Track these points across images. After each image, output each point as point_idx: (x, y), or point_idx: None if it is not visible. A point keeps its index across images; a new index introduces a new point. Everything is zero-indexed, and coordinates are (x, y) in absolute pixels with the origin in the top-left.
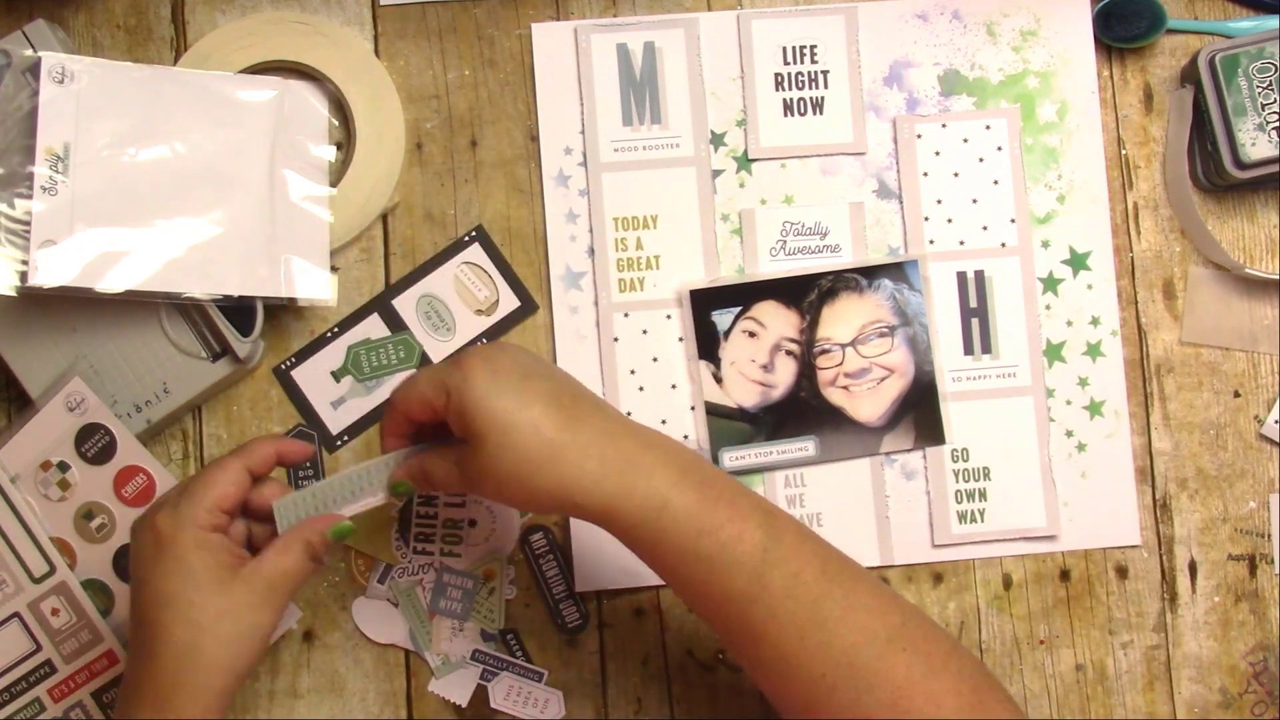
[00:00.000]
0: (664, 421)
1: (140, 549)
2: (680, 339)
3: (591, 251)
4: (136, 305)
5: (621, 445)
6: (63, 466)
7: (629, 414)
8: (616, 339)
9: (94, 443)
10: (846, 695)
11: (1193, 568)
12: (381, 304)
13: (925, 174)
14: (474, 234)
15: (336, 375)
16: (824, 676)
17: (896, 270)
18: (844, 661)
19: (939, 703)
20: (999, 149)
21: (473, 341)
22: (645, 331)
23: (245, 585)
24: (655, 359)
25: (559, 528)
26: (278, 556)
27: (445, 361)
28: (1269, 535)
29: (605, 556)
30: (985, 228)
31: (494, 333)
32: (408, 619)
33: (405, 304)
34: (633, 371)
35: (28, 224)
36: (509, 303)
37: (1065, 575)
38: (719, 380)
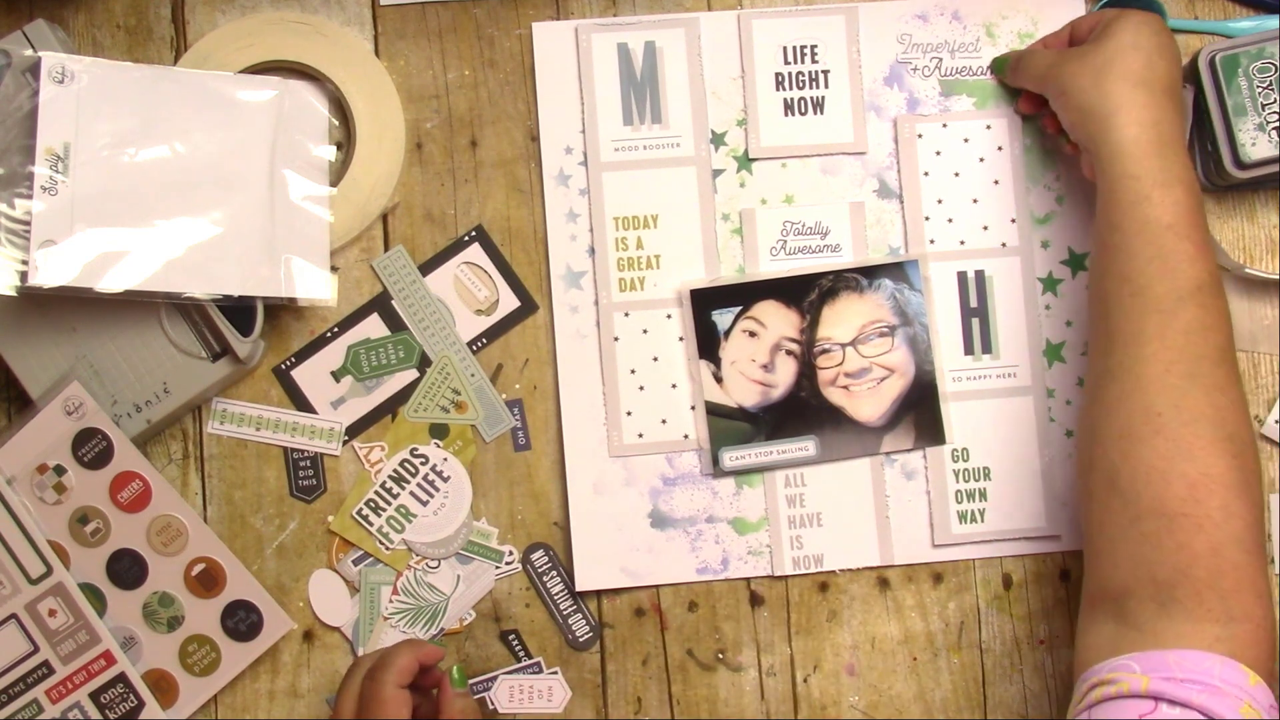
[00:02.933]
0: (664, 421)
1: (349, 707)
2: (680, 338)
3: (592, 251)
4: (136, 305)
5: (1171, 140)
6: (59, 470)
7: (628, 414)
8: (617, 338)
9: (91, 447)
10: (1161, 445)
11: None
12: (381, 304)
13: (926, 174)
14: (474, 234)
15: (336, 375)
16: (1160, 413)
17: (897, 270)
18: (1189, 429)
19: (1232, 515)
20: (999, 149)
21: (473, 340)
22: (645, 331)
23: None
24: (655, 358)
25: (559, 545)
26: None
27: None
28: (1269, 535)
29: (605, 557)
30: (985, 228)
31: (494, 332)
32: (360, 610)
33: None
34: (633, 371)
35: (28, 224)
36: (509, 303)
37: (1065, 575)
38: (719, 380)
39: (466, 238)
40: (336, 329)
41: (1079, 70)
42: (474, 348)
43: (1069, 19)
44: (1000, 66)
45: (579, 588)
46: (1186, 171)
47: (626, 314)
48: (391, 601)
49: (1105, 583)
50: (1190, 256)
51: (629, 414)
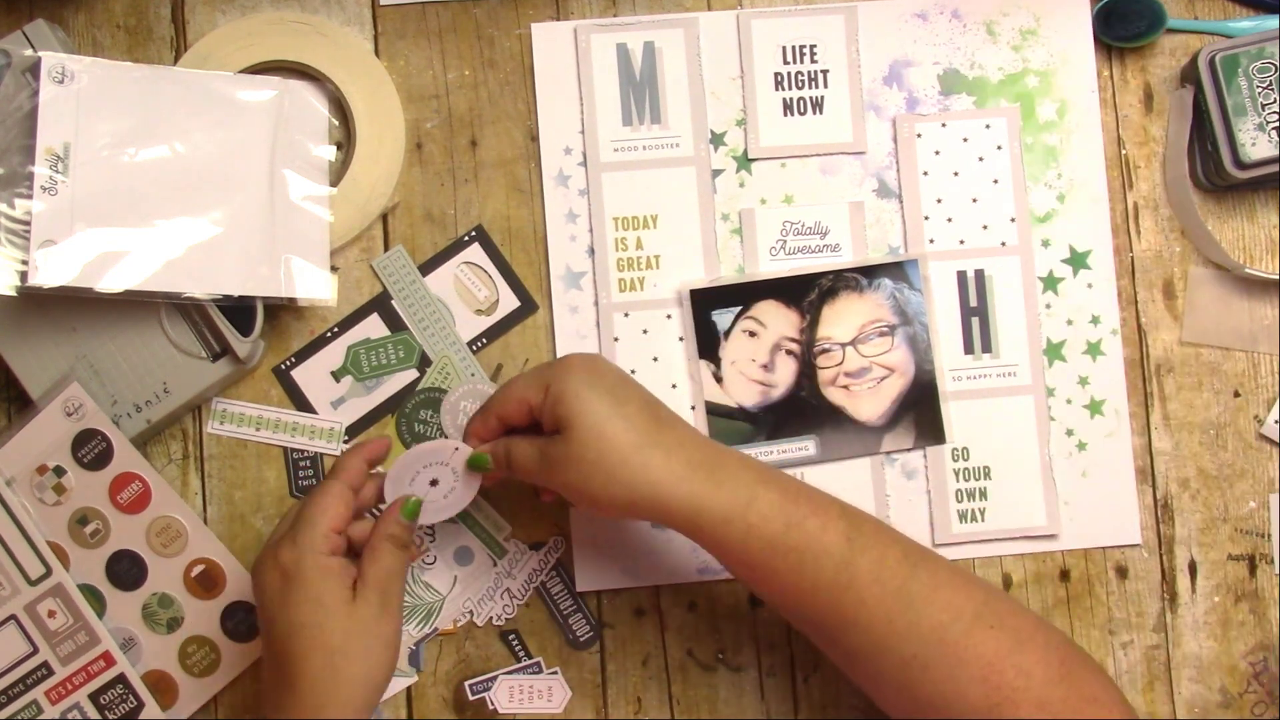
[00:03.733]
0: None
1: (267, 585)
2: (680, 339)
3: (591, 251)
4: (136, 305)
5: (705, 449)
6: (59, 471)
7: None
8: (617, 339)
9: (91, 448)
10: (939, 672)
11: (1193, 568)
12: (381, 304)
13: (925, 173)
14: (474, 234)
15: (336, 375)
16: (915, 657)
17: (896, 269)
18: (933, 640)
19: (1029, 674)
20: (999, 148)
21: (473, 340)
22: (645, 331)
23: (362, 599)
24: (655, 359)
25: (559, 545)
26: (372, 563)
27: (543, 364)
28: (1269, 535)
29: (606, 558)
30: (985, 227)
31: (494, 332)
32: None
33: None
34: (633, 371)
35: (28, 224)
36: (509, 302)
37: (1065, 575)
38: (719, 380)
39: (466, 238)
40: (336, 329)
41: (583, 477)
42: (474, 347)
43: (1071, 16)
44: (480, 462)
45: (580, 588)
46: (745, 475)
47: (626, 314)
48: None
49: None
50: (820, 530)
51: None
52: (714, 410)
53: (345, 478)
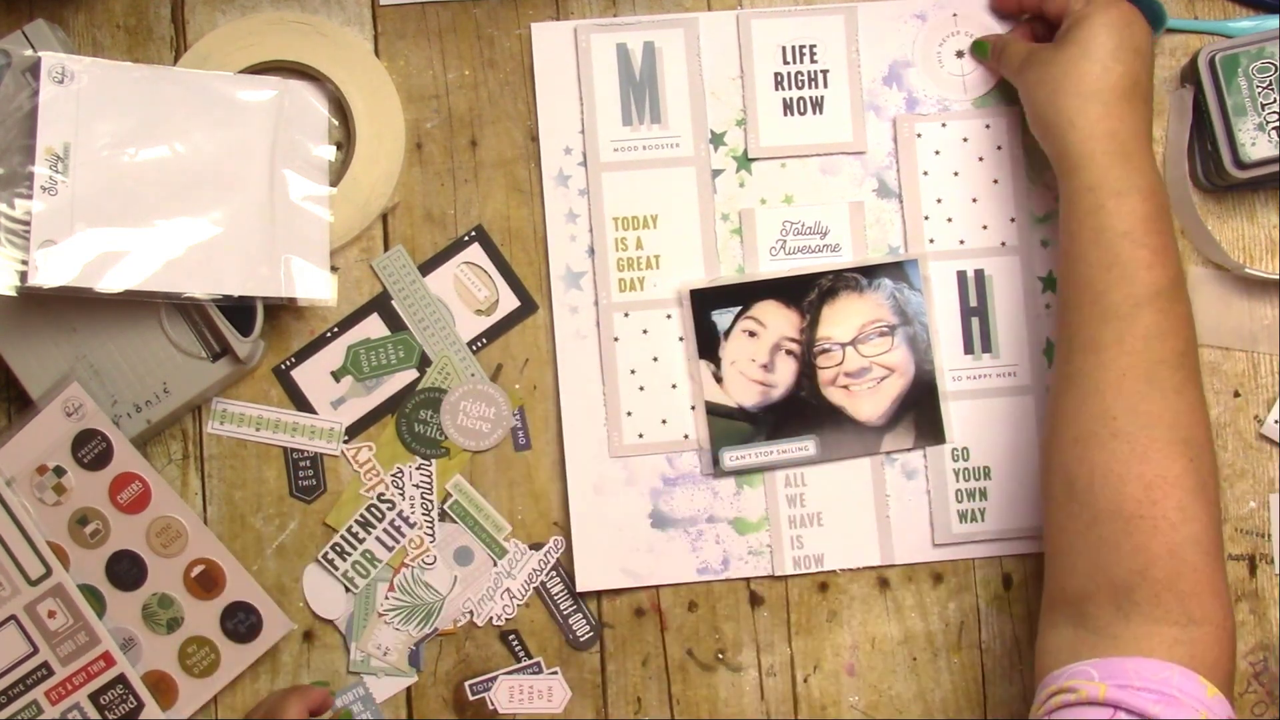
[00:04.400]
0: (664, 421)
1: None
2: (680, 338)
3: (591, 251)
4: (136, 305)
5: (1129, 148)
6: (59, 471)
7: (629, 414)
8: (617, 338)
9: (91, 448)
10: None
11: None
12: (381, 304)
13: (925, 173)
14: (474, 234)
15: (336, 375)
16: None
17: (896, 269)
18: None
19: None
20: (999, 148)
21: (473, 340)
22: (645, 331)
23: None
24: (655, 358)
25: (560, 545)
26: None
27: None
28: (1269, 535)
29: (606, 558)
30: (985, 227)
31: (494, 332)
32: (355, 606)
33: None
34: (633, 371)
35: (28, 224)
36: (509, 303)
37: None
38: (719, 380)
39: (466, 238)
40: (336, 329)
41: (1038, 81)
42: (474, 347)
43: None
44: (980, 49)
45: (580, 588)
46: (1145, 178)
47: (626, 314)
48: (387, 598)
49: (1064, 586)
50: (1147, 263)
51: (629, 414)
52: (714, 410)
53: (302, 695)
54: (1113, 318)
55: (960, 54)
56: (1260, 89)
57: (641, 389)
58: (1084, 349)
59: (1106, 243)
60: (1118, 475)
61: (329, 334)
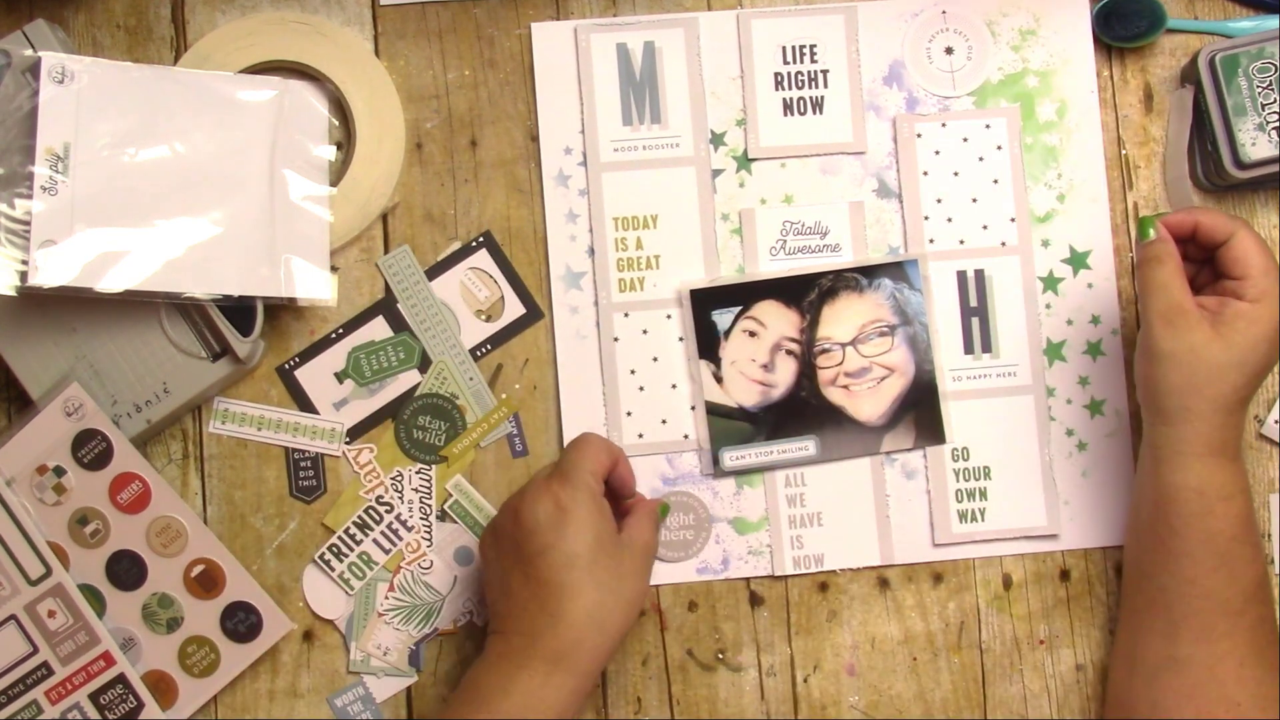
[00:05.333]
0: (664, 421)
1: (541, 517)
2: (680, 339)
3: (591, 251)
4: (136, 305)
5: (1234, 450)
6: (59, 471)
7: (628, 414)
8: (617, 339)
9: (90, 448)
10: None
11: None
12: (386, 307)
13: (925, 173)
14: (481, 239)
15: (339, 377)
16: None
17: (896, 269)
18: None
19: None
20: (999, 148)
21: (477, 346)
22: (645, 331)
23: (630, 553)
24: (655, 359)
25: None
26: (644, 531)
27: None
28: (1269, 535)
29: None
30: (985, 227)
31: (498, 339)
32: (355, 606)
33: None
34: (633, 371)
35: (28, 224)
36: (514, 310)
37: (1065, 575)
38: (719, 380)
39: (474, 243)
40: (341, 330)
41: (1173, 353)
42: (477, 355)
43: (1071, 16)
44: (1144, 229)
45: None
46: (1243, 477)
47: (626, 314)
48: (387, 598)
49: None
50: (1251, 559)
51: (629, 414)
52: (714, 410)
53: (603, 440)
54: (1226, 613)
55: (950, 50)
56: (1260, 89)
57: (641, 389)
58: (1194, 638)
59: (1217, 547)
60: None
61: (334, 335)
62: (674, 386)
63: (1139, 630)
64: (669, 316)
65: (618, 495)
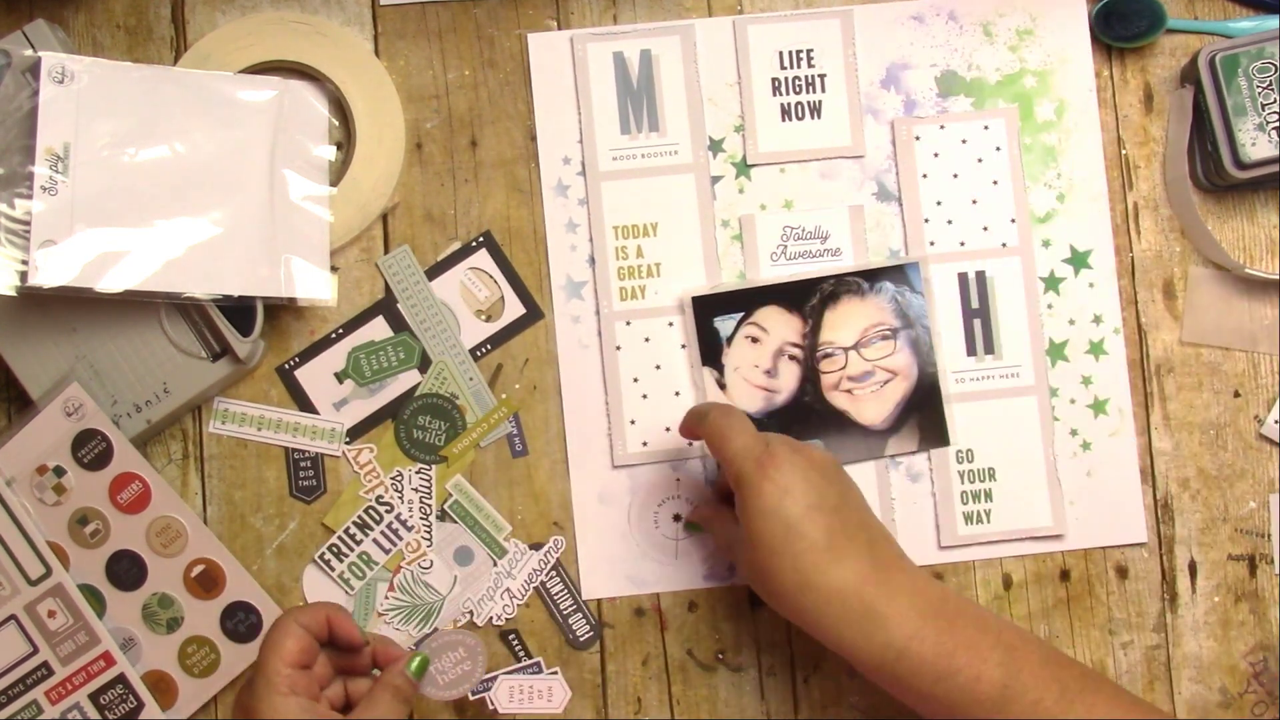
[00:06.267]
0: (668, 429)
1: None
2: (683, 346)
3: (592, 260)
4: (136, 305)
5: (865, 594)
6: (59, 471)
7: (632, 423)
8: (619, 347)
9: (90, 448)
10: None
11: (1193, 568)
12: (386, 307)
13: (924, 176)
14: (481, 239)
15: (339, 377)
16: None
17: (897, 273)
18: None
19: None
20: (998, 149)
21: (477, 347)
22: (647, 339)
23: None
24: (658, 366)
25: (559, 545)
26: (368, 710)
27: (758, 443)
28: (1269, 535)
29: (611, 566)
30: (985, 228)
31: (498, 339)
32: (355, 606)
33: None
34: (636, 379)
35: (28, 224)
36: (514, 310)
37: (1065, 575)
38: (723, 386)
39: (474, 243)
40: (341, 330)
41: (767, 576)
42: (477, 355)
43: (1068, 15)
44: (694, 528)
45: (585, 596)
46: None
47: (628, 323)
48: (387, 598)
49: None
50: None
51: (632, 423)
52: None
53: (297, 615)
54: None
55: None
56: (1260, 89)
57: (645, 397)
58: None
59: (928, 697)
60: None
61: (334, 335)
62: (677, 394)
63: None
64: (671, 324)
65: (350, 649)
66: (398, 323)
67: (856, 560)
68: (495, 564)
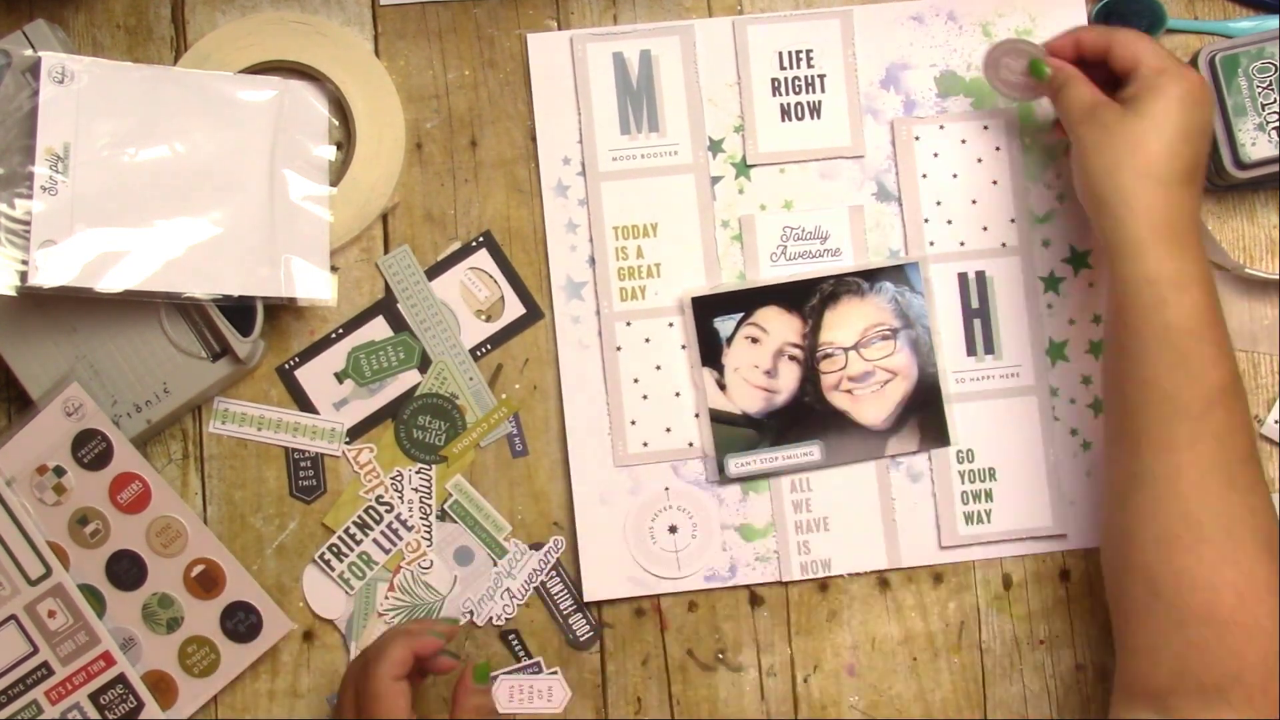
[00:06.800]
0: (668, 429)
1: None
2: (683, 346)
3: (592, 261)
4: (136, 305)
5: (1186, 236)
6: (59, 471)
7: (632, 423)
8: (619, 348)
9: (90, 448)
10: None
11: None
12: (386, 307)
13: (924, 176)
14: (481, 239)
15: (339, 377)
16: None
17: (897, 273)
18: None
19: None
20: (997, 149)
21: (477, 347)
22: (648, 340)
23: None
24: (658, 367)
25: (560, 545)
26: None
27: (1172, 57)
28: None
29: (613, 567)
30: (985, 228)
31: (498, 339)
32: (355, 605)
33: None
34: (636, 380)
35: (28, 224)
36: (514, 310)
37: (1065, 575)
38: (723, 387)
39: (474, 243)
40: (341, 330)
41: (1097, 146)
42: (477, 354)
43: (1067, 15)
44: (1038, 71)
45: (587, 598)
46: (1200, 266)
47: (628, 323)
48: (387, 598)
49: (1144, 680)
50: (1213, 360)
51: (633, 423)
52: (718, 417)
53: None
54: (1185, 418)
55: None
56: (1260, 89)
57: (645, 398)
58: (1155, 448)
59: (1173, 341)
60: (1207, 580)
61: (334, 335)
62: (677, 394)
63: (1110, 454)
64: (671, 324)
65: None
66: (398, 323)
67: (1191, 200)
68: (495, 564)
